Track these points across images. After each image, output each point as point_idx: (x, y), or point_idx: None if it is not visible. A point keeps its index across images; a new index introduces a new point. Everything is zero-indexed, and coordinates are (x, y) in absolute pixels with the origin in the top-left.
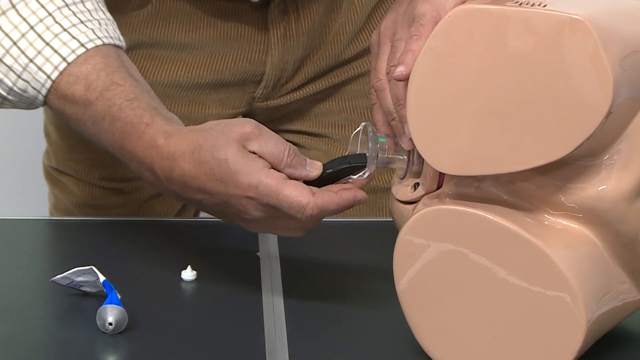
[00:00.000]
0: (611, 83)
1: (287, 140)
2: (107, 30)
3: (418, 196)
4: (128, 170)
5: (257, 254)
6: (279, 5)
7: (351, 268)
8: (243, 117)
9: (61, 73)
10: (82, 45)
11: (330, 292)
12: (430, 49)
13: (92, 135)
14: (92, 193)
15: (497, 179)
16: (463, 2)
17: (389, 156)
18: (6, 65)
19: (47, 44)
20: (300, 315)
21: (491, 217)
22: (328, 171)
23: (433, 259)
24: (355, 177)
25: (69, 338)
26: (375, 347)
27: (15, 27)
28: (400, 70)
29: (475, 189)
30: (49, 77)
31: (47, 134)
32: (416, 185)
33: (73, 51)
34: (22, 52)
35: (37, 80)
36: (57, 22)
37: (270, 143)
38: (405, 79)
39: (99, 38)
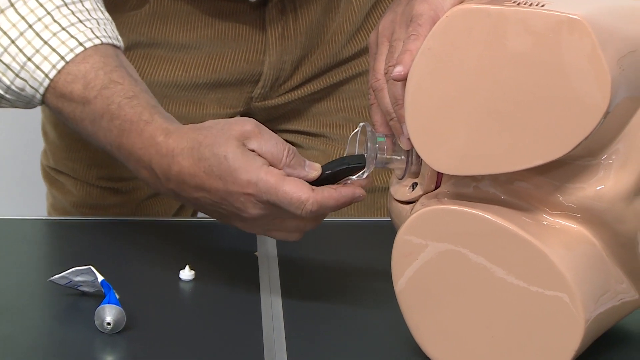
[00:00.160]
0: (609, 83)
1: (285, 140)
2: (105, 30)
3: (416, 196)
4: (126, 169)
5: (256, 253)
6: (276, 5)
7: (349, 268)
8: (241, 116)
9: (59, 72)
10: (81, 44)
11: (329, 292)
12: (428, 48)
13: (90, 134)
14: (90, 193)
15: (495, 178)
16: (461, 2)
17: (388, 156)
18: (4, 63)
19: (46, 42)
20: (298, 315)
21: (489, 217)
22: (327, 172)
23: (431, 259)
24: (354, 177)
25: (67, 338)
26: (373, 347)
27: (14, 25)
28: (398, 70)
29: (473, 189)
30: (46, 75)
31: (44, 134)
32: (414, 185)
33: (71, 50)
34: (20, 50)
35: (35, 78)
36: (55, 20)
37: (270, 142)
38: (403, 79)
39: (97, 37)
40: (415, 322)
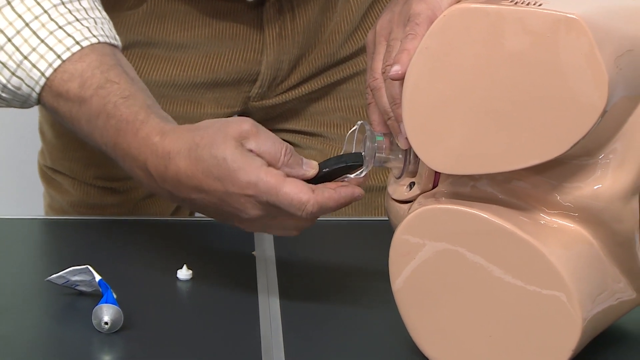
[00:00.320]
0: (606, 82)
1: (283, 140)
2: (102, 29)
3: (414, 195)
4: (123, 169)
5: (253, 253)
6: (274, 5)
7: (347, 267)
8: (238, 116)
9: (55, 70)
10: (77, 43)
11: (326, 292)
12: (426, 48)
13: (86, 133)
14: (88, 192)
15: (492, 178)
16: (458, 2)
17: (385, 155)
18: (0, 62)
19: (42, 41)
20: (296, 315)
21: (487, 217)
22: (324, 170)
23: (429, 258)
24: (352, 176)
25: (65, 337)
26: (371, 346)
27: (10, 23)
28: (395, 69)
29: (471, 188)
30: (43, 74)
31: (42, 133)
32: (412, 185)
33: (68, 49)
34: (17, 49)
35: (31, 77)
36: (52, 19)
37: (268, 142)
38: (401, 79)
39: (94, 36)
40: (412, 322)
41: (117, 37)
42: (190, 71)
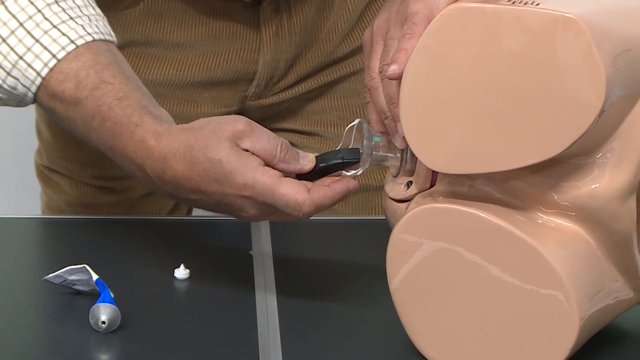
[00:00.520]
0: (604, 81)
1: (281, 137)
2: (97, 26)
3: (411, 194)
4: (120, 169)
5: (250, 252)
6: (271, 4)
7: (344, 266)
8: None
9: (51, 70)
10: (72, 41)
11: (323, 291)
12: (423, 47)
13: (82, 134)
14: (84, 192)
15: (490, 177)
16: (456, 1)
17: (383, 154)
18: None
19: (37, 40)
20: (293, 314)
21: (484, 216)
22: (321, 165)
23: (426, 257)
24: (348, 174)
25: (62, 337)
26: (368, 345)
27: (5, 23)
28: (393, 69)
29: (468, 188)
30: (38, 74)
31: (38, 133)
32: (409, 184)
33: (63, 48)
34: (12, 49)
35: (27, 77)
36: (46, 18)
37: (263, 139)
38: (398, 78)
39: (89, 34)
40: (410, 321)
41: (112, 33)
42: (187, 70)
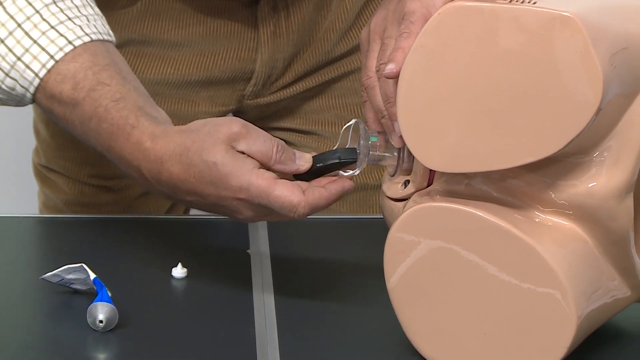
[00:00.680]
0: (601, 80)
1: (277, 138)
2: (95, 26)
3: (408, 193)
4: (118, 168)
5: (248, 251)
6: (268, 3)
7: (342, 265)
8: (233, 114)
9: (49, 71)
10: (70, 42)
11: (321, 290)
12: (421, 46)
13: (80, 134)
14: (82, 191)
15: (487, 176)
16: None
17: (380, 154)
18: None
19: (35, 41)
20: (290, 313)
21: (482, 215)
22: (318, 165)
23: (424, 256)
24: (345, 174)
25: (60, 336)
26: (366, 344)
27: (3, 24)
28: (390, 67)
29: (465, 186)
30: (37, 75)
31: (36, 132)
32: (407, 183)
33: (61, 49)
34: (10, 50)
35: (25, 78)
36: (44, 19)
37: (258, 141)
38: (395, 77)
39: (87, 35)
40: (407, 319)
41: (110, 32)
42: (185, 69)
